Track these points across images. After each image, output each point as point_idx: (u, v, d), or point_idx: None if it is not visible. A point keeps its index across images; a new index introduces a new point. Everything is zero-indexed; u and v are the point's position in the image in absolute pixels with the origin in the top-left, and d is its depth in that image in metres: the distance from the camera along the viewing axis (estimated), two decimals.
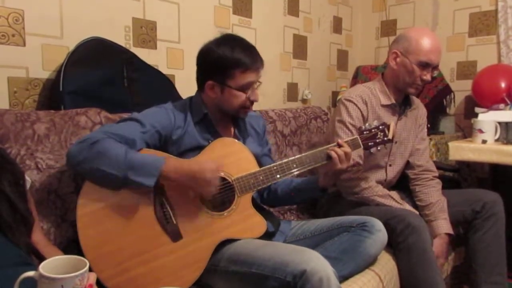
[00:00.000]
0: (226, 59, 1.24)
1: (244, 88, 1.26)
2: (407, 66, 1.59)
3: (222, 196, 1.23)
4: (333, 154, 1.31)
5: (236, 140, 1.33)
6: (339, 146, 1.33)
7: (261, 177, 1.26)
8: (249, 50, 1.27)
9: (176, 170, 1.13)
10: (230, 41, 1.28)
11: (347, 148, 1.32)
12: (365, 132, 1.39)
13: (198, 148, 1.27)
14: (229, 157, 1.26)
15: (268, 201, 1.51)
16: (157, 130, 1.24)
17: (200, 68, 1.33)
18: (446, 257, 1.65)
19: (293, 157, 1.31)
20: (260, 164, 1.31)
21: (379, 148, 1.41)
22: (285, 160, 1.30)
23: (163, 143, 1.27)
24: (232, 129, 1.41)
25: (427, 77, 1.58)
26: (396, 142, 1.67)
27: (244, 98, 1.27)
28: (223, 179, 1.24)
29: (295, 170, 1.30)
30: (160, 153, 1.21)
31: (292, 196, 1.46)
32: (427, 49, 1.55)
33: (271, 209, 1.54)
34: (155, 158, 1.14)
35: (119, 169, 1.08)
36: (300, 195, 1.46)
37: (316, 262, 1.04)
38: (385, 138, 1.40)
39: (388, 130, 1.40)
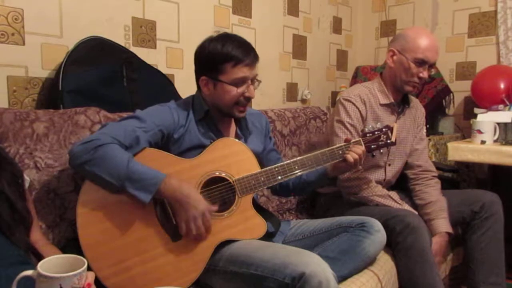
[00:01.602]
0: (216, 53, 1.23)
1: (236, 83, 1.25)
2: (404, 63, 1.60)
3: (223, 197, 1.23)
4: (350, 158, 1.32)
5: (238, 141, 1.32)
6: (347, 141, 1.34)
7: (262, 178, 1.26)
8: (241, 44, 1.26)
9: (173, 193, 1.13)
10: (223, 37, 1.27)
11: (360, 149, 1.33)
12: (368, 135, 1.39)
13: (200, 147, 1.27)
14: (231, 158, 1.26)
15: (280, 192, 1.54)
16: (160, 129, 1.23)
17: (195, 65, 1.32)
18: (444, 255, 1.65)
19: (294, 159, 1.31)
20: (262, 162, 1.31)
21: (381, 151, 1.41)
22: (286, 162, 1.30)
23: (165, 141, 1.26)
24: (234, 127, 1.41)
25: (424, 74, 1.59)
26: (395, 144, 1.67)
27: (237, 93, 1.25)
28: (224, 179, 1.24)
29: (296, 171, 1.30)
30: (164, 155, 1.21)
31: (303, 187, 1.48)
32: (423, 46, 1.57)
33: (271, 210, 1.55)
34: (155, 174, 1.12)
35: (118, 178, 1.09)
36: (311, 186, 1.48)
37: (315, 265, 1.04)
38: (388, 141, 1.40)
39: (391, 132, 1.40)
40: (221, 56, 1.23)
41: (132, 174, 1.09)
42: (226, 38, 1.26)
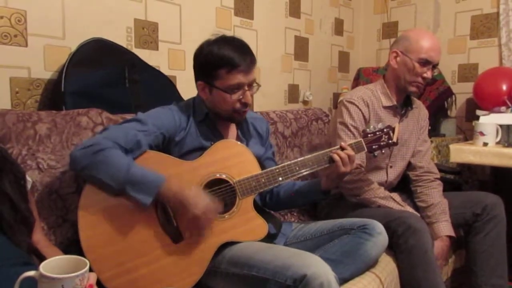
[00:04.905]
0: (212, 58, 1.22)
1: (232, 90, 1.23)
2: (408, 64, 1.61)
3: (224, 199, 1.23)
4: (336, 157, 1.30)
5: (239, 142, 1.32)
6: (343, 149, 1.32)
7: (263, 180, 1.26)
8: (237, 49, 1.23)
9: (173, 195, 1.12)
10: (219, 41, 1.25)
11: (350, 151, 1.31)
12: (369, 135, 1.39)
13: (201, 149, 1.27)
14: (231, 159, 1.26)
15: (270, 204, 1.50)
16: (162, 132, 1.23)
17: (193, 68, 1.31)
18: (446, 259, 1.64)
19: (295, 160, 1.30)
20: (263, 167, 1.31)
21: (383, 151, 1.41)
22: (287, 163, 1.29)
23: (166, 144, 1.26)
24: (235, 130, 1.40)
25: (428, 74, 1.61)
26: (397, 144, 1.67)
27: (233, 100, 1.24)
28: (225, 181, 1.23)
29: (297, 173, 1.29)
30: (164, 158, 1.21)
31: (294, 199, 1.45)
32: (427, 47, 1.59)
33: (272, 212, 1.54)
34: (156, 177, 1.11)
35: (118, 182, 1.08)
36: (303, 198, 1.45)
37: (317, 266, 1.04)
38: (390, 141, 1.40)
39: (393, 133, 1.40)
40: (216, 60, 1.21)
41: (132, 178, 1.09)
42: (222, 42, 1.24)
